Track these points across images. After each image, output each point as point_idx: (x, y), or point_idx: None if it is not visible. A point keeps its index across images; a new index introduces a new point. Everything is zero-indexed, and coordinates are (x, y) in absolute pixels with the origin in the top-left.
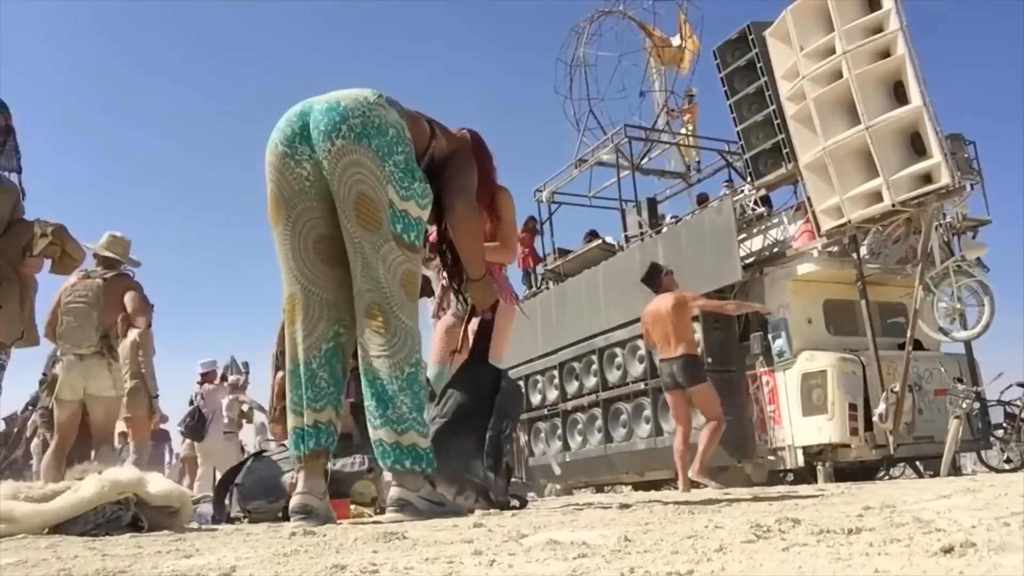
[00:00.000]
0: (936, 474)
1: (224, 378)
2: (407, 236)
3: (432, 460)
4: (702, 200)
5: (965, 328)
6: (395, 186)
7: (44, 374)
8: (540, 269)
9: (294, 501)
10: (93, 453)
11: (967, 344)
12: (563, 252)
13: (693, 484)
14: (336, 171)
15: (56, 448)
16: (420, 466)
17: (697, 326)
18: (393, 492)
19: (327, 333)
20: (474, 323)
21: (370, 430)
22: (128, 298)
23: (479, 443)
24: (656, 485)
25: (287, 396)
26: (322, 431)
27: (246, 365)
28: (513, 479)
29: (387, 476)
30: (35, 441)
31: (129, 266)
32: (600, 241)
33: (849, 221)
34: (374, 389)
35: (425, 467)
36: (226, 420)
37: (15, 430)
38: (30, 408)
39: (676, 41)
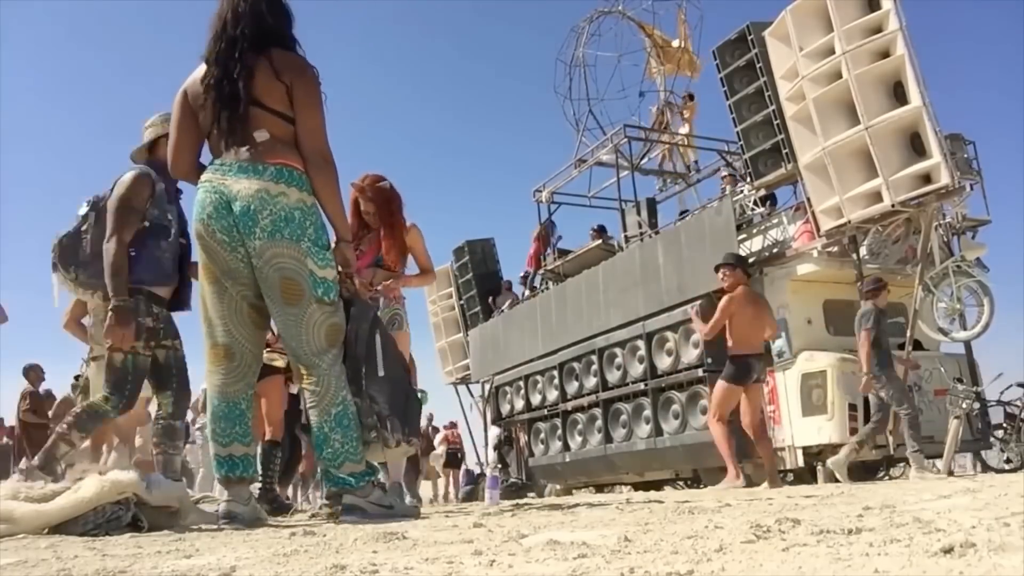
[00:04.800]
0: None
1: None
2: (328, 297)
3: (372, 470)
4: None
5: (965, 328)
6: (313, 259)
7: (76, 377)
8: (538, 277)
9: (221, 508)
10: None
11: (967, 344)
12: (563, 252)
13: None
14: (260, 264)
15: (91, 449)
16: (362, 483)
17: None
18: (345, 499)
19: (253, 381)
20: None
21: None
22: None
23: None
24: (656, 485)
25: (211, 427)
26: (250, 462)
27: None
28: (512, 479)
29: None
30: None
31: None
32: (600, 240)
33: (849, 221)
34: (313, 435)
35: (366, 480)
36: None
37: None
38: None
39: (676, 44)
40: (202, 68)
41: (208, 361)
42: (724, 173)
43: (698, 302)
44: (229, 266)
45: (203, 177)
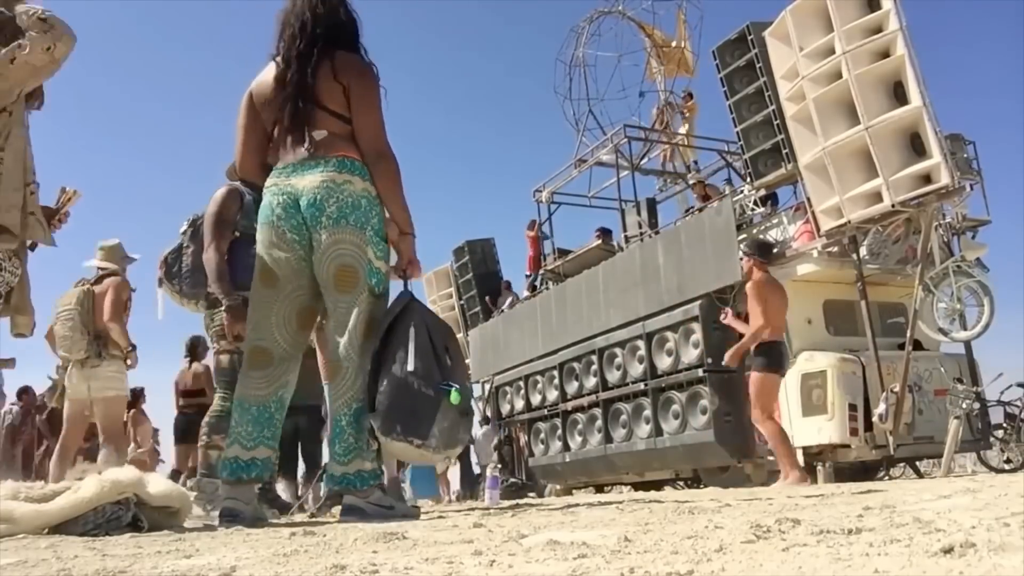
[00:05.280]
0: None
1: None
2: (379, 288)
3: (377, 473)
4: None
5: (965, 328)
6: (373, 248)
7: (51, 379)
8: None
9: (223, 506)
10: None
11: (967, 344)
12: (563, 252)
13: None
14: (319, 252)
15: (60, 447)
16: (365, 486)
17: (697, 326)
18: (345, 500)
19: (286, 381)
20: None
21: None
22: (105, 301)
23: None
24: (656, 485)
25: (237, 430)
26: (267, 464)
27: None
28: (512, 479)
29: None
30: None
31: (126, 264)
32: (600, 241)
33: (849, 221)
34: (332, 426)
35: (370, 484)
36: None
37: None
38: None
39: (675, 43)
40: (269, 68)
41: (245, 363)
42: (692, 180)
43: (728, 308)
44: (292, 268)
45: (268, 182)
